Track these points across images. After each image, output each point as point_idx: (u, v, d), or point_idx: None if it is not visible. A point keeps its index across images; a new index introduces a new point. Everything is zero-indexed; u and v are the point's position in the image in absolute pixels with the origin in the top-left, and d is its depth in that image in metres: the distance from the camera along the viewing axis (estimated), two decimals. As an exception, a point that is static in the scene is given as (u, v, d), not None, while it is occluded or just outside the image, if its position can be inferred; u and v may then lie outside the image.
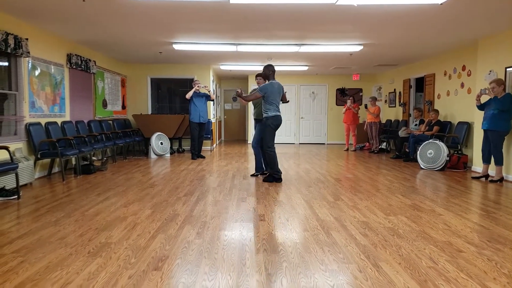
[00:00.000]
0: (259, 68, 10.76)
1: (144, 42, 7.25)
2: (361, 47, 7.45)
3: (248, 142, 12.87)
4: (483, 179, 5.93)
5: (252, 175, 6.19)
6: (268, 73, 5.66)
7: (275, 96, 5.58)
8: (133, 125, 10.11)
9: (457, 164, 6.92)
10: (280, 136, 12.48)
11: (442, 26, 5.78)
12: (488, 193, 4.99)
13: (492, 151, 5.64)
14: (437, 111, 7.83)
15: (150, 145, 8.72)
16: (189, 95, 8.30)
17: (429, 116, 7.96)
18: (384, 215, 3.85)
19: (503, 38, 6.03)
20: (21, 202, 4.36)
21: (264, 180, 5.73)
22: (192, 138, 8.49)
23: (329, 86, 12.83)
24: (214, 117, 11.20)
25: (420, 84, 9.77)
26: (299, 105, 12.89)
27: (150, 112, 10.52)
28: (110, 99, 9.14)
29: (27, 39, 5.53)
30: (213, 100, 9.28)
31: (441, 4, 4.62)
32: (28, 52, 5.57)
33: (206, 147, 10.36)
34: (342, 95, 12.79)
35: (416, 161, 7.59)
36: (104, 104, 8.75)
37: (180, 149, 10.04)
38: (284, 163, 7.74)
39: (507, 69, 5.91)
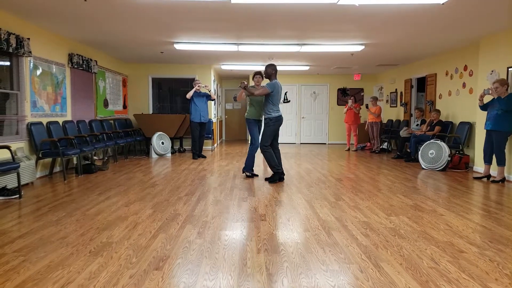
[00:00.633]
0: (260, 68, 10.77)
1: (145, 41, 7.25)
2: (362, 47, 7.44)
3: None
4: (485, 179, 5.92)
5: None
6: (271, 72, 5.61)
7: (279, 96, 5.60)
8: (134, 125, 10.12)
9: (458, 164, 6.91)
10: (281, 136, 12.46)
11: (444, 25, 5.77)
12: (490, 193, 4.98)
13: (495, 152, 5.62)
14: (438, 111, 7.81)
15: (151, 144, 8.72)
16: (189, 94, 8.31)
17: (431, 116, 7.95)
18: (385, 215, 3.84)
19: (505, 37, 6.02)
20: (23, 202, 4.37)
21: (267, 180, 5.68)
22: (193, 138, 8.49)
23: (330, 86, 12.82)
24: (215, 117, 11.20)
25: (422, 84, 9.76)
26: (300, 105, 12.88)
27: (151, 112, 10.52)
28: (112, 98, 9.14)
29: (28, 38, 5.54)
30: (213, 100, 9.28)
31: (443, 3, 4.61)
32: (30, 52, 5.57)
33: (207, 146, 10.36)
34: (343, 95, 12.78)
35: (418, 161, 7.58)
36: (106, 104, 8.75)
37: (181, 149, 10.05)
38: (285, 163, 7.74)
39: (509, 69, 5.90)
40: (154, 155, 8.75)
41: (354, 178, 6.08)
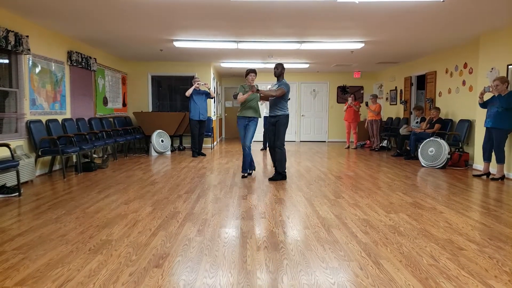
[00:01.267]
0: (260, 66, 10.77)
1: (144, 39, 7.24)
2: (362, 45, 7.43)
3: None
4: (485, 177, 5.92)
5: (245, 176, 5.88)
6: (282, 71, 5.63)
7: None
8: (134, 123, 10.11)
9: (458, 162, 6.91)
10: (281, 133, 12.46)
11: (444, 23, 5.76)
12: (489, 191, 4.98)
13: (494, 149, 5.62)
14: (438, 109, 7.81)
15: (151, 142, 8.71)
16: (188, 92, 8.30)
17: (430, 114, 7.95)
18: (385, 213, 3.85)
19: (505, 34, 6.01)
20: (22, 200, 4.37)
21: (271, 179, 5.59)
22: (193, 136, 8.49)
23: (330, 84, 12.81)
24: (214, 115, 11.19)
25: (421, 81, 9.75)
26: (300, 102, 12.88)
27: (150, 110, 10.51)
28: (111, 96, 9.13)
29: (27, 36, 5.53)
30: (213, 98, 9.27)
31: (443, 1, 4.61)
32: (29, 49, 5.56)
33: (206, 144, 10.36)
34: (343, 92, 12.78)
35: (417, 159, 7.58)
36: (105, 102, 8.74)
37: (181, 147, 10.04)
38: (285, 161, 7.73)
39: (509, 66, 5.89)
40: (153, 153, 8.75)
41: (354, 176, 6.08)
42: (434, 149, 6.95)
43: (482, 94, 5.80)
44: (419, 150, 7.25)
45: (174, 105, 10.91)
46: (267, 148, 10.02)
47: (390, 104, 11.38)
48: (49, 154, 5.80)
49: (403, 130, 8.80)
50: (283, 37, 6.91)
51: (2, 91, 5.34)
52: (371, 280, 2.31)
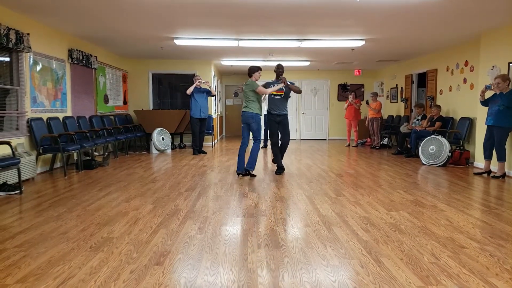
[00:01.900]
0: (261, 64, 10.75)
1: (145, 37, 7.23)
2: (363, 43, 7.41)
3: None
4: (485, 175, 5.92)
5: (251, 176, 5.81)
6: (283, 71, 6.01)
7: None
8: (135, 121, 10.11)
9: (459, 160, 6.91)
10: (282, 131, 12.46)
11: (445, 21, 5.74)
12: (490, 189, 4.98)
13: (495, 147, 5.62)
14: (439, 107, 7.80)
15: (152, 140, 8.72)
16: (189, 90, 8.29)
17: (431, 112, 7.94)
18: (385, 211, 3.85)
19: (506, 32, 5.99)
20: (23, 197, 4.37)
21: (280, 172, 6.03)
22: (193, 134, 8.49)
23: (330, 82, 12.80)
24: (215, 112, 11.19)
25: (422, 79, 9.74)
26: (300, 100, 12.87)
27: (151, 108, 10.51)
28: (112, 94, 9.13)
29: (28, 34, 5.52)
30: (214, 96, 9.26)
31: (444, -2, 4.59)
32: (30, 47, 5.55)
33: (207, 142, 10.36)
34: (343, 90, 12.76)
35: (418, 157, 7.58)
36: (106, 100, 8.74)
37: (182, 145, 10.05)
38: (285, 159, 7.73)
39: (510, 64, 5.87)
40: (154, 151, 8.76)
41: (355, 173, 6.08)
42: (435, 147, 6.94)
43: (483, 92, 5.79)
44: (420, 148, 7.25)
45: (174, 103, 10.90)
46: (267, 146, 10.09)
47: (391, 102, 11.37)
48: (50, 152, 5.80)
49: (403, 128, 8.79)
50: (283, 35, 6.89)
51: (3, 89, 5.34)
52: (372, 278, 2.31)
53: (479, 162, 6.62)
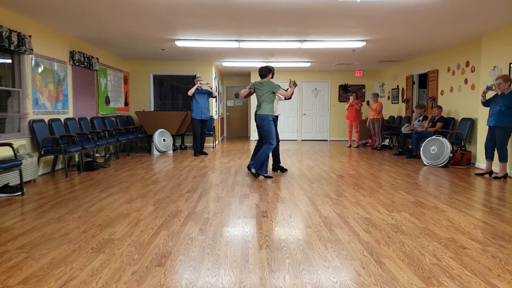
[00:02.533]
0: (262, 65, 10.73)
1: (146, 39, 7.24)
2: (364, 43, 7.42)
3: (251, 138, 12.87)
4: (487, 175, 5.91)
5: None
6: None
7: None
8: (136, 122, 10.12)
9: (460, 160, 6.90)
10: (283, 132, 12.47)
11: (446, 21, 5.74)
12: (492, 189, 4.97)
13: (497, 148, 5.61)
14: (440, 107, 7.79)
15: (153, 141, 8.73)
16: (191, 92, 8.31)
17: (432, 112, 7.93)
18: (387, 212, 3.84)
19: (507, 33, 5.99)
20: (25, 199, 4.38)
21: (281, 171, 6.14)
22: (194, 135, 8.50)
23: (331, 83, 12.80)
24: (216, 114, 11.20)
25: (423, 80, 9.73)
26: (301, 101, 12.87)
27: (152, 109, 10.53)
28: (113, 96, 9.15)
29: (30, 36, 5.54)
30: (215, 97, 9.28)
31: (445, -1, 4.59)
32: (31, 49, 5.57)
33: (208, 143, 10.37)
34: (344, 91, 12.76)
35: (419, 157, 7.57)
36: (107, 101, 8.76)
37: (183, 146, 10.05)
38: (286, 160, 7.74)
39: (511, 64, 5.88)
40: (155, 152, 8.77)
41: (356, 174, 6.08)
42: (436, 148, 6.93)
43: (484, 92, 5.78)
44: (421, 148, 7.24)
45: (176, 104, 10.91)
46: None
47: (392, 103, 11.36)
48: (51, 154, 5.81)
49: (405, 129, 8.79)
50: (284, 36, 6.90)
51: (5, 90, 5.36)
52: (374, 279, 2.31)
53: (481, 162, 6.61)
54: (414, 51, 8.47)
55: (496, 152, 5.72)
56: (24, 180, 4.95)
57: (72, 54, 6.97)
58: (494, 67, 6.27)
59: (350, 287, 2.20)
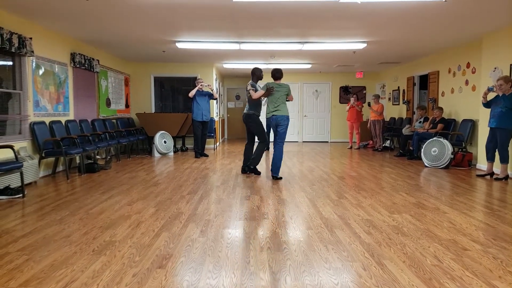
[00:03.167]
0: (262, 67, 10.77)
1: (147, 41, 7.26)
2: (364, 45, 7.42)
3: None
4: (488, 177, 5.90)
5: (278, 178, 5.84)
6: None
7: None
8: (137, 124, 10.14)
9: (461, 162, 6.89)
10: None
11: (446, 23, 5.74)
12: (493, 191, 4.96)
13: (498, 149, 5.60)
14: (441, 109, 7.79)
15: (154, 143, 8.73)
16: (192, 93, 8.31)
17: (433, 114, 7.93)
18: (388, 213, 3.84)
19: (508, 34, 5.99)
20: (26, 201, 4.38)
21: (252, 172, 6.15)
22: (195, 137, 8.50)
23: (332, 84, 12.80)
24: (217, 115, 11.20)
25: (424, 81, 9.73)
26: (302, 103, 12.87)
27: (153, 111, 10.54)
28: (114, 98, 9.16)
29: (31, 38, 5.55)
30: (216, 99, 9.29)
31: (445, 0, 4.59)
32: (32, 51, 5.58)
33: (209, 145, 10.37)
34: (345, 93, 12.76)
35: (420, 159, 7.56)
36: (108, 103, 8.77)
37: (184, 148, 10.06)
38: (287, 161, 7.73)
39: (512, 66, 5.87)
40: (156, 154, 8.77)
41: (357, 176, 6.07)
42: (437, 149, 6.93)
43: (485, 94, 5.78)
44: (422, 150, 7.24)
45: (176, 106, 10.93)
46: (269, 148, 10.11)
47: (393, 104, 11.36)
48: (52, 156, 5.82)
49: (406, 130, 8.78)
50: (285, 37, 6.91)
51: (6, 93, 5.37)
52: (375, 281, 2.30)
53: (482, 164, 6.60)
54: (415, 52, 8.47)
55: (497, 154, 5.72)
56: (25, 182, 4.95)
57: (72, 56, 6.98)
58: (495, 68, 6.27)
59: (351, 289, 2.20)
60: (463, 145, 7.14)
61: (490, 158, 5.80)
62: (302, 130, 12.98)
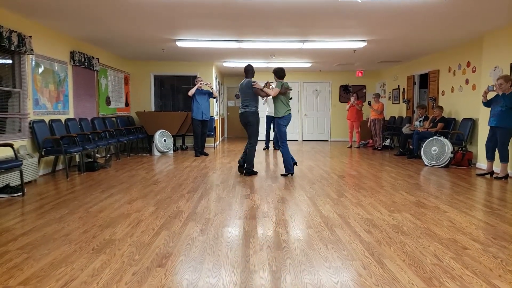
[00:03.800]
0: (263, 65, 10.76)
1: (147, 39, 7.25)
2: (364, 44, 7.41)
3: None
4: (488, 176, 5.90)
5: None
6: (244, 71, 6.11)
7: (241, 95, 6.00)
8: (137, 122, 10.13)
9: (461, 161, 6.89)
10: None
11: (447, 21, 5.74)
12: (493, 190, 4.96)
13: (498, 148, 5.60)
14: (441, 108, 7.78)
15: (154, 142, 8.73)
16: (191, 92, 8.31)
17: (433, 113, 7.92)
18: (388, 212, 3.84)
19: (508, 33, 5.98)
20: (26, 199, 4.38)
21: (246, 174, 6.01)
22: (195, 135, 8.50)
23: (332, 83, 12.79)
24: (217, 114, 11.20)
25: (424, 80, 9.72)
26: (302, 102, 12.87)
27: (153, 109, 10.53)
28: (114, 96, 9.15)
29: (30, 36, 5.54)
30: (215, 98, 9.28)
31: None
32: (32, 50, 5.57)
33: (209, 144, 10.37)
34: (345, 92, 12.75)
35: (420, 158, 7.56)
36: (108, 102, 8.76)
37: (184, 146, 10.05)
38: (287, 160, 7.73)
39: (513, 65, 5.86)
40: (156, 153, 8.76)
41: (357, 175, 6.07)
42: (437, 148, 6.93)
43: (485, 93, 5.78)
44: (422, 149, 7.23)
45: (176, 104, 10.92)
46: (268, 147, 10.10)
47: (393, 103, 11.35)
48: (52, 154, 5.82)
49: (406, 129, 8.78)
50: (285, 36, 6.90)
51: (6, 91, 5.36)
52: (375, 280, 2.30)
53: (482, 163, 6.60)
54: (415, 51, 8.46)
55: (497, 153, 5.72)
56: (25, 180, 4.95)
57: (72, 54, 6.97)
58: (495, 67, 6.26)
59: (351, 288, 2.20)
60: (463, 144, 7.14)
61: (490, 157, 5.80)
62: (302, 129, 12.97)
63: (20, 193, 4.57)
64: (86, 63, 7.42)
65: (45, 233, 3.17)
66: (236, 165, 7.03)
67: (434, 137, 7.08)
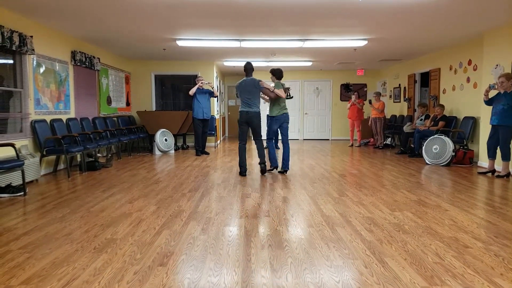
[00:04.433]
0: (263, 64, 10.76)
1: (148, 38, 7.25)
2: (365, 42, 7.40)
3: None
4: (489, 174, 5.89)
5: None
6: (244, 69, 5.99)
7: (243, 93, 5.85)
8: (138, 122, 10.14)
9: (463, 159, 6.88)
10: (284, 132, 12.46)
11: (447, 20, 5.72)
12: (494, 188, 4.95)
13: (500, 147, 5.59)
14: (442, 106, 7.77)
15: (155, 141, 8.73)
16: (192, 91, 8.31)
17: (435, 111, 7.91)
18: (389, 211, 3.83)
19: (509, 31, 5.96)
20: (27, 199, 4.39)
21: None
22: (196, 135, 8.50)
23: (333, 82, 12.78)
24: (218, 113, 11.20)
25: (425, 79, 9.71)
26: (303, 101, 12.86)
27: (154, 109, 10.53)
28: (115, 96, 9.16)
29: (31, 36, 5.55)
30: (216, 97, 9.28)
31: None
32: (33, 50, 5.58)
33: (210, 143, 10.37)
34: (346, 90, 12.74)
35: (422, 156, 7.55)
36: (109, 101, 8.77)
37: (185, 146, 10.06)
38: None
39: (514, 63, 5.85)
40: (157, 152, 8.77)
41: (358, 173, 6.07)
42: (439, 147, 6.92)
43: (487, 91, 5.76)
44: (423, 147, 7.22)
45: (177, 104, 10.92)
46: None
47: (394, 102, 11.34)
48: (53, 154, 5.83)
49: (407, 128, 8.77)
50: (286, 35, 6.89)
51: (7, 91, 5.37)
52: (376, 278, 2.30)
53: (483, 161, 6.59)
54: (416, 49, 8.45)
55: (498, 151, 5.71)
56: (26, 180, 4.96)
57: (73, 54, 6.98)
58: (497, 65, 6.25)
59: (353, 287, 2.20)
60: (465, 143, 7.13)
61: (492, 155, 5.79)
62: (303, 127, 12.97)
63: (22, 193, 4.58)
64: (87, 63, 7.42)
65: (47, 232, 3.18)
66: (237, 165, 7.03)
67: (436, 136, 7.07)
